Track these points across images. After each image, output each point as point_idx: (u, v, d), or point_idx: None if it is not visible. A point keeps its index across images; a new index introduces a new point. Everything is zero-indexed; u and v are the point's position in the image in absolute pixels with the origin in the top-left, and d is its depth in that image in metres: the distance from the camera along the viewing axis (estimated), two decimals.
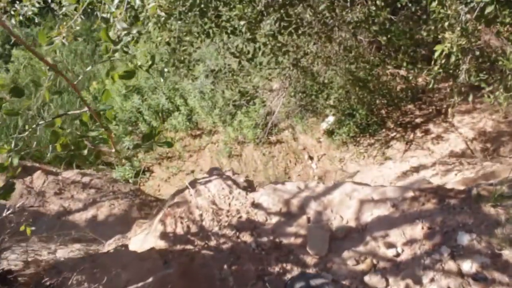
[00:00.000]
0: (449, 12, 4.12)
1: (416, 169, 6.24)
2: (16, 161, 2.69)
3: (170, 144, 3.13)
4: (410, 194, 3.07)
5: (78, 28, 4.42)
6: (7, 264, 3.20)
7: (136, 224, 3.71)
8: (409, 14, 5.47)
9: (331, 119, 8.25)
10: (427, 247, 2.81)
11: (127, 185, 7.69)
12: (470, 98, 5.08)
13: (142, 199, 7.16)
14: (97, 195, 6.99)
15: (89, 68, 2.94)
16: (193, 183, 3.34)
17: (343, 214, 3.09)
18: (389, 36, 5.48)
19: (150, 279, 2.25)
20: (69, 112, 2.86)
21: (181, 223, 3.06)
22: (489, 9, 4.00)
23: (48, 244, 4.42)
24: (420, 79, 7.88)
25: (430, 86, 4.87)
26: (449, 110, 7.01)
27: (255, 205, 3.16)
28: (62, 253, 3.98)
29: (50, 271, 2.25)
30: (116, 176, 8.27)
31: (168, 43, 4.82)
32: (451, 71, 4.49)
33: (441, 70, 4.36)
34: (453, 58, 4.11)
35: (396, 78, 7.33)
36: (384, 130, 8.07)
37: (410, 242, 2.87)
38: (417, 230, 2.89)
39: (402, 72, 7.30)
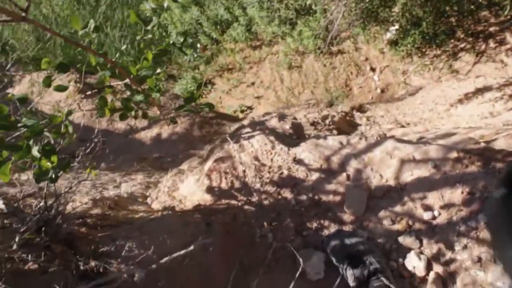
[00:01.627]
0: None
1: (481, 91, 5.91)
2: (71, 128, 2.92)
3: (211, 106, 3.22)
4: (454, 154, 3.01)
5: None
6: (79, 203, 3.62)
7: (187, 169, 3.96)
8: None
9: (393, 28, 7.80)
10: (464, 213, 2.82)
11: None
12: None
13: (202, 116, 7.41)
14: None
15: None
16: (235, 136, 3.46)
17: (383, 173, 3.11)
18: None
19: (192, 247, 2.50)
20: (113, 84, 2.99)
21: (226, 178, 3.24)
22: None
23: (113, 175, 4.84)
24: None
25: (507, 11, 4.38)
26: None
27: (297, 161, 3.25)
28: (125, 187, 4.38)
29: (105, 239, 2.55)
30: (178, 90, 8.53)
31: None
32: None
33: None
34: None
35: None
36: (452, 40, 7.54)
37: (448, 206, 2.88)
38: (457, 194, 2.88)
39: None
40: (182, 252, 2.48)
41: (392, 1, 6.66)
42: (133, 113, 3.24)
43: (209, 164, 3.44)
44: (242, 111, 8.58)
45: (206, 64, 9.00)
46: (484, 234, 2.69)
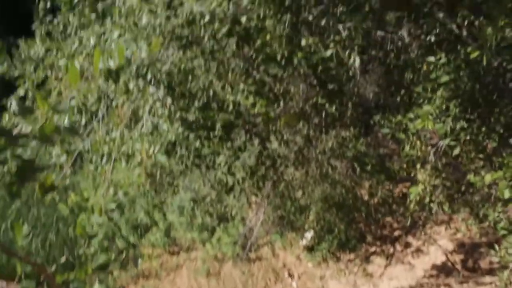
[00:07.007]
0: (419, 153, 4.31)
1: None
2: None
3: None
4: None
5: None
6: None
7: None
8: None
9: (309, 235, 8.22)
10: None
11: None
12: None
13: None
14: None
15: None
16: None
17: None
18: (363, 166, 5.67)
19: None
20: None
21: None
22: (456, 150, 4.20)
23: None
24: (397, 190, 8.02)
25: (408, 223, 5.01)
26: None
27: None
28: None
29: None
30: None
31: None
32: (426, 206, 4.59)
33: (417, 208, 4.48)
34: (427, 199, 4.24)
35: (373, 194, 7.47)
36: (363, 244, 8.06)
37: None
38: None
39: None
40: None
41: (306, 209, 7.18)
42: None
43: None
44: None
45: (121, 269, 8.59)
46: None
